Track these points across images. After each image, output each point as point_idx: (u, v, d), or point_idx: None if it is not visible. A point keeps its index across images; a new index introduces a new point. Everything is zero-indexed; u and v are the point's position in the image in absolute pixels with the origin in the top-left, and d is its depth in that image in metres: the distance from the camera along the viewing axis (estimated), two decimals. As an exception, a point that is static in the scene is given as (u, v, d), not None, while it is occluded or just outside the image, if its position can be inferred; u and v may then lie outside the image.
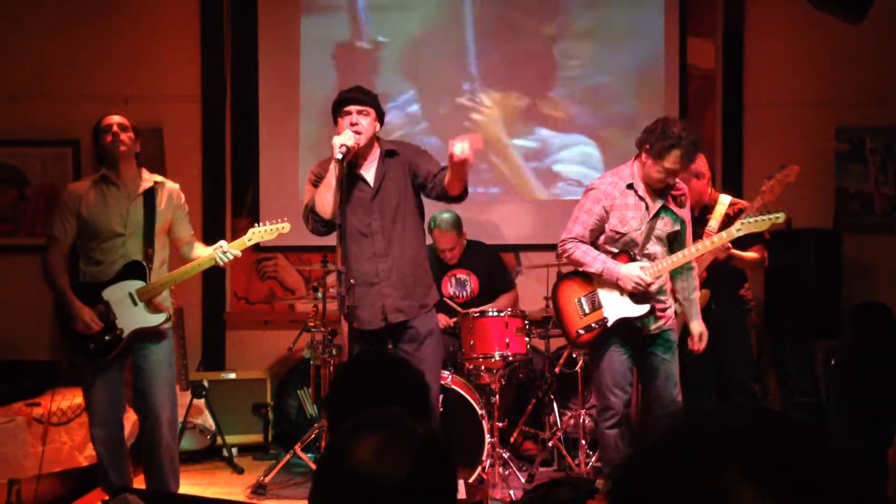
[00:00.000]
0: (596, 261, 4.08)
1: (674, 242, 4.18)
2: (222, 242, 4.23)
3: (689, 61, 6.24)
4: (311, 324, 5.30)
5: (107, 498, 4.04)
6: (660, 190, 4.09)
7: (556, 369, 5.23)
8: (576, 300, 4.20)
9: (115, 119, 4.15)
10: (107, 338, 4.06)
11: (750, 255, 4.79)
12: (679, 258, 4.07)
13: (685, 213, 4.21)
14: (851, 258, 6.13)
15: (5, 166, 6.16)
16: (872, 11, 4.36)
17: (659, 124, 4.00)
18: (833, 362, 5.40)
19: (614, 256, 4.11)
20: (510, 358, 4.82)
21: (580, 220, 4.13)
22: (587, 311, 4.18)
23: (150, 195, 4.19)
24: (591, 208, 4.11)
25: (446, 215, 5.37)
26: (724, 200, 4.73)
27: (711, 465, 0.78)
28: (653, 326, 4.13)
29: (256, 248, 6.01)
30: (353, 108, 4.03)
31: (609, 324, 4.10)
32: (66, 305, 4.07)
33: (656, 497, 0.80)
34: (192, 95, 6.19)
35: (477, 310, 5.01)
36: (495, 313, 4.89)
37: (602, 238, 4.14)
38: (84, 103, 6.03)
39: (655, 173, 4.00)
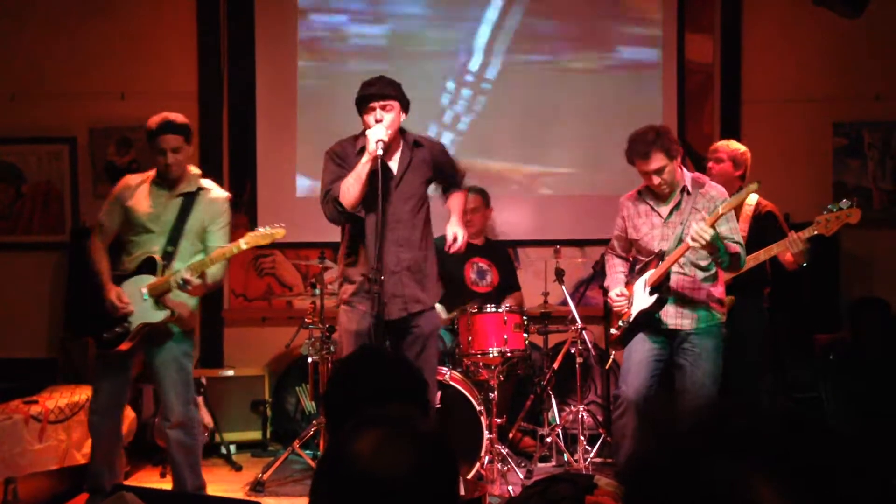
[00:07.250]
0: (609, 277, 4.37)
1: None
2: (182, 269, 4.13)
3: (688, 57, 6.23)
4: (308, 320, 5.29)
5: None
6: (672, 194, 4.07)
7: (555, 365, 5.22)
8: None
9: (172, 143, 4.13)
10: (117, 329, 4.10)
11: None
12: (671, 257, 3.97)
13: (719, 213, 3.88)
14: (850, 253, 6.12)
15: (2, 164, 6.14)
16: (870, 6, 4.37)
17: None
18: (832, 357, 5.40)
19: (647, 264, 4.14)
20: (508, 354, 4.81)
21: (615, 228, 4.35)
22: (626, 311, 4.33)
23: (189, 198, 4.20)
24: (616, 219, 4.34)
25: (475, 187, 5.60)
26: (751, 200, 4.56)
27: (734, 464, 0.78)
28: (671, 324, 4.09)
29: (254, 244, 6.00)
30: (376, 104, 3.92)
31: (631, 318, 4.16)
32: (98, 285, 4.14)
33: (674, 493, 0.79)
34: (189, 92, 6.16)
35: (475, 306, 5.00)
36: (494, 309, 4.88)
37: (632, 246, 4.28)
38: (81, 101, 6.02)
39: (645, 180, 4.09)
